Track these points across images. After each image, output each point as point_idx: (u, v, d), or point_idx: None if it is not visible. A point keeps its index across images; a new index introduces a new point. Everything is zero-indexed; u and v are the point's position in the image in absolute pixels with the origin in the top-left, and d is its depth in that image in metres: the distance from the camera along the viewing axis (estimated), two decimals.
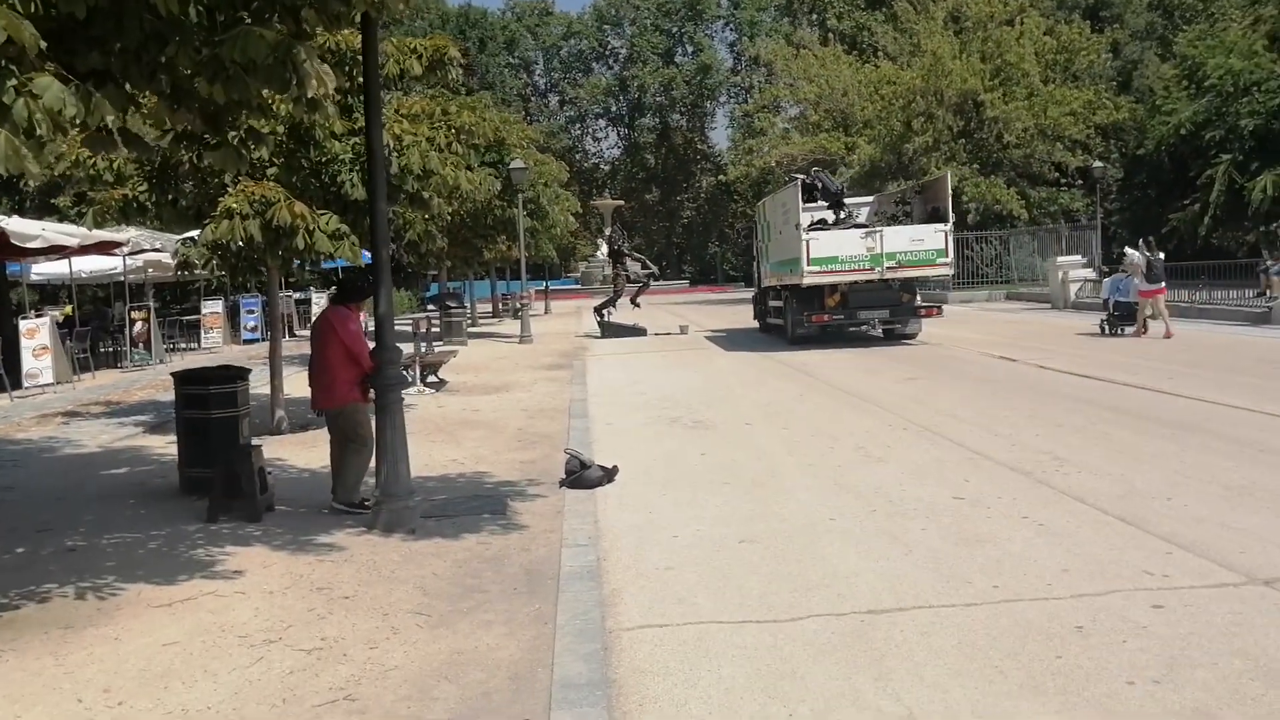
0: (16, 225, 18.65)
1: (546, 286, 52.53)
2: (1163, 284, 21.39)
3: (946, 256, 21.65)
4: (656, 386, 16.75)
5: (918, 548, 6.84)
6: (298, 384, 12.99)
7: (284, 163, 11.95)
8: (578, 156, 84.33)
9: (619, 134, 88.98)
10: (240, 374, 9.29)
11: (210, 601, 6.18)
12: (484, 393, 16.64)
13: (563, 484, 9.20)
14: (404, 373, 17.63)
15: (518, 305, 30.00)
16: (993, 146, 40.87)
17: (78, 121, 4.95)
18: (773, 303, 26.13)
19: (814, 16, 60.77)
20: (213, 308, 28.90)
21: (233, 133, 7.47)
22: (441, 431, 12.77)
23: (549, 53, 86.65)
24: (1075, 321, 24.68)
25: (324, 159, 12.02)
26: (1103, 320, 22.40)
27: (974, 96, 39.94)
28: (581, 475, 9.19)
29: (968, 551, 6.70)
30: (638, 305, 30.82)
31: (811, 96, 47.30)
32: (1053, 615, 5.46)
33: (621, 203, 71.02)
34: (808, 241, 21.43)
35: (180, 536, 7.77)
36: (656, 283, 51.55)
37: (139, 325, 22.84)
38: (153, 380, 19.36)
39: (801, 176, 24.18)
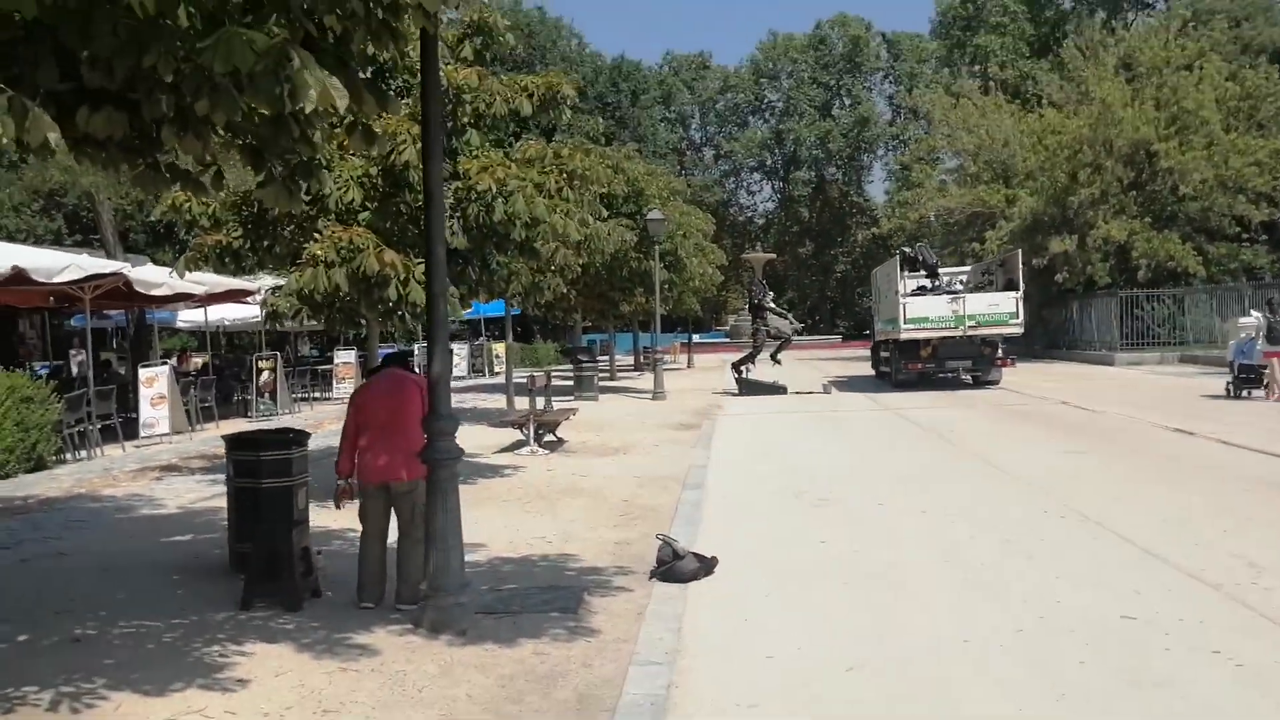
0: (141, 273, 18.57)
1: (690, 340, 51.34)
2: None
3: (1018, 318, 25.79)
4: (785, 453, 15.35)
5: (1074, 690, 5.32)
6: None
7: (378, 206, 11.14)
8: (732, 210, 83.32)
9: (773, 187, 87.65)
10: (299, 438, 8.32)
11: None
12: (600, 454, 15.54)
13: (653, 575, 7.96)
14: (519, 431, 16.86)
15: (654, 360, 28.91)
16: (1167, 199, 38.07)
17: (4, 140, 4.01)
18: (883, 353, 30.85)
19: (975, 67, 58.70)
20: (345, 358, 28.65)
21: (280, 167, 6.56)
22: (541, 500, 11.67)
23: (705, 106, 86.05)
24: (1213, 385, 22.63)
25: (421, 203, 11.15)
26: (1228, 383, 21.42)
27: (1146, 146, 37.27)
28: (674, 566, 7.92)
29: (1141, 699, 5.16)
30: (778, 362, 29.45)
31: (970, 147, 45.22)
32: None
33: (773, 256, 69.35)
34: (904, 304, 26.11)
35: (203, 627, 6.79)
36: (804, 338, 49.98)
37: (265, 375, 22.54)
38: None
39: (905, 249, 29.69)
